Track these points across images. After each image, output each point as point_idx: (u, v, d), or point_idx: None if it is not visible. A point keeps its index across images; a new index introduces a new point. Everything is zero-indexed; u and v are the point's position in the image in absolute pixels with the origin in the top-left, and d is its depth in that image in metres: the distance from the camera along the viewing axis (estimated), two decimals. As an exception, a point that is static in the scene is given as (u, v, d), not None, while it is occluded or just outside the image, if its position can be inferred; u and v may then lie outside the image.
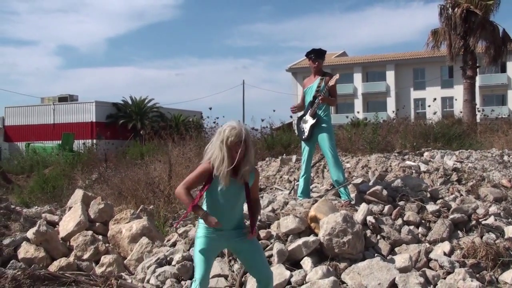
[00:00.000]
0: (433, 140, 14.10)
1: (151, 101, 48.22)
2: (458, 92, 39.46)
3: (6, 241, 7.93)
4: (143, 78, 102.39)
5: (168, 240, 7.36)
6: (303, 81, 7.46)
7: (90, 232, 8.10)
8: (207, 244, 4.31)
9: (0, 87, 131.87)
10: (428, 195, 6.97)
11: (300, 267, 5.62)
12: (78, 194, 9.53)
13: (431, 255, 5.83)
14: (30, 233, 7.94)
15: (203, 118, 27.15)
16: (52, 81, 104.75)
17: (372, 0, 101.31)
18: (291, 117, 22.70)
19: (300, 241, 5.73)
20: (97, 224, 8.55)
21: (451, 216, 6.38)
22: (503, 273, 5.60)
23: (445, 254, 5.80)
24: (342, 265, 5.60)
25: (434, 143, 13.72)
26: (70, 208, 9.10)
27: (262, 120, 19.89)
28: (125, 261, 7.47)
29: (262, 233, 6.15)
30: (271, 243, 5.95)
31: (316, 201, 6.51)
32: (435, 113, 21.47)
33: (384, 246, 5.99)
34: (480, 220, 6.40)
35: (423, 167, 9.09)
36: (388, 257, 5.78)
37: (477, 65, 25.99)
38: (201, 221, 4.39)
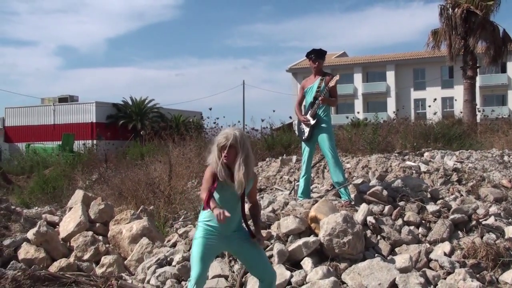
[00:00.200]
0: (433, 141, 14.11)
1: (151, 102, 48.25)
2: (458, 92, 39.48)
3: (6, 241, 7.93)
4: (143, 79, 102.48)
5: (169, 241, 7.37)
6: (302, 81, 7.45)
7: (90, 233, 8.10)
8: (205, 245, 4.32)
9: (0, 88, 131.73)
10: (429, 195, 6.97)
11: (300, 267, 5.62)
12: (78, 194, 9.53)
13: (432, 255, 5.83)
14: (30, 234, 7.94)
15: (203, 119, 27.23)
16: (52, 81, 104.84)
17: (372, 0, 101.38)
18: (290, 117, 22.69)
19: (300, 242, 5.74)
20: (98, 224, 8.55)
21: (452, 217, 6.38)
22: (503, 273, 5.59)
23: (445, 254, 5.80)
24: (342, 265, 5.60)
25: (434, 144, 13.74)
26: (70, 208, 9.09)
27: (262, 121, 19.96)
28: (125, 262, 7.47)
29: (263, 233, 6.14)
30: (271, 243, 5.95)
31: (316, 201, 6.51)
32: (435, 113, 21.50)
33: (384, 246, 5.99)
34: (480, 220, 6.40)
35: (423, 168, 9.10)
36: (388, 258, 5.78)
37: (477, 65, 26.01)
38: (201, 220, 4.41)
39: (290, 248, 5.72)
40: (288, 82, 57.02)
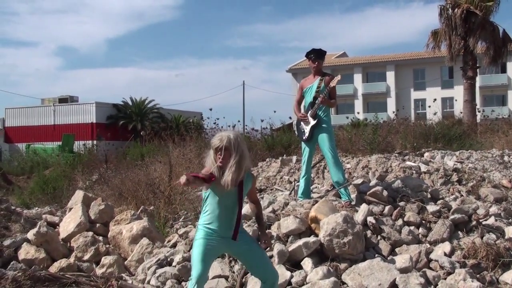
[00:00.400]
0: (433, 141, 14.12)
1: (151, 102, 48.26)
2: (458, 92, 39.49)
3: (7, 242, 7.93)
4: (143, 79, 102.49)
5: (169, 241, 7.36)
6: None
7: (90, 233, 8.10)
8: (206, 246, 4.33)
9: (0, 88, 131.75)
10: (429, 195, 6.97)
11: (300, 267, 5.62)
12: (79, 195, 9.53)
13: (432, 256, 5.82)
14: (30, 234, 7.94)
15: (203, 119, 27.22)
16: (52, 82, 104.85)
17: (372, 0, 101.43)
18: (290, 118, 22.70)
19: (300, 242, 5.73)
20: (98, 225, 8.55)
21: (452, 217, 6.37)
22: (503, 274, 5.59)
23: (445, 254, 5.80)
24: (342, 265, 5.60)
25: (434, 144, 13.74)
26: (70, 209, 9.09)
27: (262, 121, 19.95)
28: (125, 262, 7.47)
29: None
30: (271, 243, 5.95)
31: (316, 201, 6.51)
32: (435, 113, 21.51)
33: (384, 246, 5.99)
34: (480, 220, 6.39)
35: (423, 168, 9.09)
36: (388, 258, 5.77)
37: (477, 65, 26.02)
38: (201, 223, 4.43)
39: (290, 249, 5.72)
40: (288, 83, 57.07)
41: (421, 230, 6.27)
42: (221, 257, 5.96)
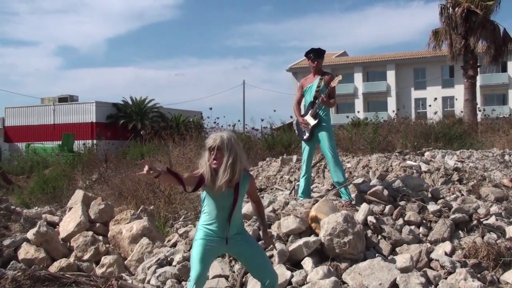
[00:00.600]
0: (434, 140, 14.11)
1: (151, 102, 48.22)
2: (459, 91, 39.49)
3: (6, 242, 7.92)
4: (143, 79, 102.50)
5: (169, 241, 7.36)
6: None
7: (90, 233, 8.10)
8: (205, 246, 4.32)
9: (0, 88, 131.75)
10: (429, 195, 6.96)
11: (301, 267, 5.62)
12: (78, 194, 9.53)
13: (432, 255, 5.82)
14: (30, 234, 7.94)
15: (203, 118, 27.25)
16: (52, 81, 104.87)
17: (372, 0, 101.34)
18: (291, 117, 22.67)
19: (300, 241, 5.73)
20: (98, 224, 8.55)
21: (452, 216, 6.37)
22: (504, 273, 5.58)
23: (446, 254, 5.79)
24: (343, 265, 5.60)
25: (435, 143, 13.73)
26: (70, 208, 9.09)
27: (262, 120, 19.94)
28: (125, 262, 7.47)
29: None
30: (273, 243, 5.94)
31: (316, 201, 6.50)
32: (435, 112, 21.51)
33: (385, 246, 5.99)
34: (481, 220, 6.39)
35: (424, 167, 9.08)
36: (389, 257, 5.77)
37: (478, 64, 26.01)
38: (200, 224, 4.43)
39: (290, 248, 5.72)
40: (288, 82, 57.07)
41: (421, 229, 6.26)
42: (221, 256, 5.95)
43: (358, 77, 53.61)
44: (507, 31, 25.77)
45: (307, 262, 5.59)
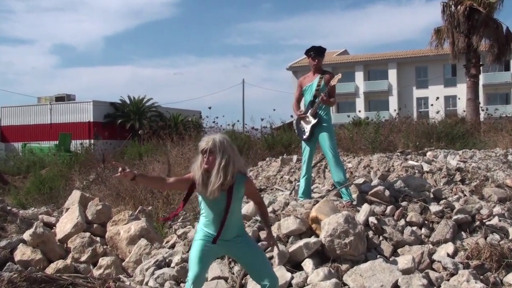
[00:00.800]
0: (436, 140, 14.12)
1: (150, 101, 48.19)
2: (461, 90, 39.48)
3: (2, 243, 7.92)
4: (141, 77, 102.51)
5: (167, 242, 7.35)
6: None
7: (87, 234, 8.09)
8: (204, 247, 4.32)
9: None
10: (431, 195, 6.96)
11: (301, 269, 5.62)
12: (76, 195, 9.52)
13: (434, 257, 5.81)
14: (26, 235, 7.93)
15: (202, 118, 27.21)
16: (49, 80, 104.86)
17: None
18: (291, 116, 22.68)
19: (301, 243, 5.73)
20: (95, 225, 8.54)
21: (455, 217, 6.37)
22: (507, 275, 5.58)
23: (448, 255, 5.79)
24: (344, 266, 5.60)
25: (437, 143, 13.74)
26: (67, 209, 9.09)
27: (262, 120, 19.93)
28: (123, 263, 7.46)
29: (263, 234, 6.14)
30: (277, 243, 5.93)
31: (317, 201, 6.50)
32: (438, 112, 21.47)
33: (386, 247, 5.98)
34: (484, 220, 6.39)
35: (426, 167, 9.09)
36: (390, 259, 5.77)
37: (481, 63, 26.01)
38: (199, 225, 4.42)
39: (290, 249, 5.72)
40: (288, 81, 57.00)
41: (423, 230, 6.26)
42: (220, 258, 5.95)
43: (359, 75, 53.62)
44: (510, 30, 25.77)
45: (308, 264, 5.59)
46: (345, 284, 5.43)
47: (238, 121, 23.26)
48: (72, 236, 8.10)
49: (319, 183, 9.75)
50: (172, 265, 6.18)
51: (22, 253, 7.73)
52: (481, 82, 30.32)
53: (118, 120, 45.44)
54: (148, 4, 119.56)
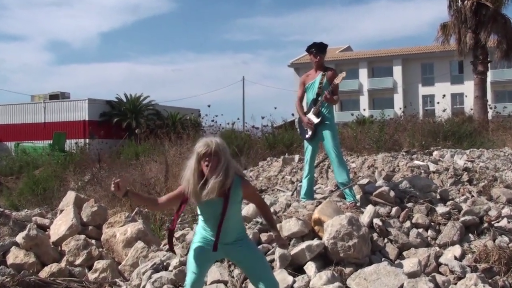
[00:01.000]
0: (442, 139, 14.12)
1: (147, 99, 48.17)
2: (468, 88, 39.45)
3: (-5, 246, 7.92)
4: (138, 74, 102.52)
5: (165, 244, 7.35)
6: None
7: (82, 236, 8.09)
8: (202, 250, 4.32)
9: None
10: (438, 196, 6.96)
11: (303, 272, 5.62)
12: (70, 196, 9.53)
13: (441, 260, 5.82)
14: (19, 238, 7.93)
15: (201, 116, 27.19)
16: (43, 78, 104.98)
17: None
18: (293, 115, 22.68)
19: (303, 245, 5.73)
20: (90, 227, 8.54)
21: (462, 219, 6.36)
22: (516, 278, 5.58)
23: (455, 258, 5.79)
24: (347, 270, 5.60)
25: (443, 142, 13.74)
26: (61, 211, 9.09)
27: (263, 118, 19.89)
28: (119, 267, 7.46)
29: (264, 236, 6.14)
30: (272, 247, 5.94)
31: (320, 203, 6.50)
32: (444, 110, 21.46)
33: (391, 250, 5.98)
34: (492, 222, 6.39)
35: (432, 167, 9.08)
36: (395, 262, 5.77)
37: (489, 59, 25.98)
38: (198, 227, 4.43)
39: (292, 252, 5.71)
40: (290, 78, 56.99)
41: (430, 232, 6.26)
42: (220, 261, 5.95)
43: (363, 73, 53.61)
44: (519, 25, 25.76)
45: (310, 267, 5.59)
46: (348, 288, 5.43)
47: (238, 119, 23.19)
48: (66, 239, 8.10)
49: (322, 184, 9.74)
50: (170, 268, 6.18)
51: (15, 256, 7.72)
52: (489, 79, 30.25)
53: (114, 119, 45.43)
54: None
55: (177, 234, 7.19)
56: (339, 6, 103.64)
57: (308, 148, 7.12)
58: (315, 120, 6.94)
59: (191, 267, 4.30)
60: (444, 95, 30.72)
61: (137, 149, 18.45)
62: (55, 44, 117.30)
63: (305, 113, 7.09)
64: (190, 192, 4.20)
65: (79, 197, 9.44)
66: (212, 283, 5.76)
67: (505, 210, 6.77)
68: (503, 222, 6.43)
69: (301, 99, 7.28)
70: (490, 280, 5.48)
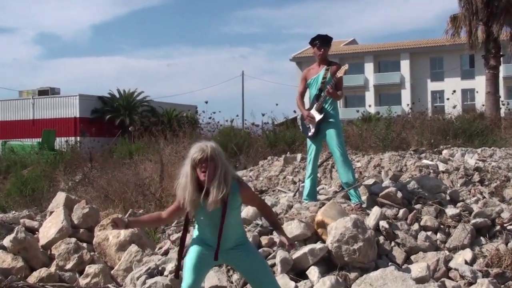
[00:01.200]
0: (452, 137, 14.11)
1: (141, 94, 48.29)
2: (480, 83, 39.48)
3: (-19, 249, 7.92)
4: (131, 69, 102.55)
5: (160, 248, 7.36)
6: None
7: (73, 240, 8.10)
8: (199, 254, 4.32)
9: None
10: (448, 197, 6.97)
11: (306, 277, 5.62)
12: (60, 197, 9.53)
13: (451, 264, 5.82)
14: (6, 241, 7.93)
15: (198, 113, 27.20)
16: (32, 72, 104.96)
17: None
18: (295, 111, 22.68)
19: (306, 249, 5.73)
20: (81, 230, 8.55)
21: (473, 221, 6.37)
22: (530, 284, 5.59)
23: (466, 262, 5.80)
24: (352, 275, 5.60)
25: (453, 140, 13.73)
26: (51, 212, 9.10)
27: (263, 115, 19.86)
28: (112, 271, 7.46)
29: (264, 240, 6.15)
30: (273, 251, 5.95)
31: (323, 204, 6.50)
32: (454, 106, 21.45)
33: (398, 254, 5.99)
34: (505, 225, 6.39)
35: (441, 167, 9.08)
36: (403, 266, 5.78)
37: (501, 53, 25.97)
38: (195, 231, 4.43)
39: (294, 256, 5.72)
40: (291, 72, 57.01)
41: (439, 235, 6.27)
42: (218, 266, 5.95)
43: (368, 67, 53.63)
44: (533, 17, 25.74)
45: (313, 272, 5.59)
46: (353, 294, 5.43)
47: (237, 116, 23.16)
48: (56, 242, 8.10)
49: (326, 184, 9.75)
50: (166, 273, 6.19)
51: (2, 260, 7.73)
52: (501, 74, 30.22)
53: (107, 116, 45.51)
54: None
55: (173, 237, 7.19)
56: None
57: (311, 146, 7.12)
58: (318, 116, 6.93)
59: (187, 272, 4.29)
60: (454, 91, 30.68)
61: (131, 147, 18.46)
62: (44, 37, 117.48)
63: (307, 110, 7.08)
64: (187, 202, 4.17)
65: (70, 198, 9.45)
66: (209, 288, 5.76)
67: (518, 212, 6.77)
68: (516, 225, 6.44)
69: (302, 95, 7.28)
70: (502, 286, 5.49)
